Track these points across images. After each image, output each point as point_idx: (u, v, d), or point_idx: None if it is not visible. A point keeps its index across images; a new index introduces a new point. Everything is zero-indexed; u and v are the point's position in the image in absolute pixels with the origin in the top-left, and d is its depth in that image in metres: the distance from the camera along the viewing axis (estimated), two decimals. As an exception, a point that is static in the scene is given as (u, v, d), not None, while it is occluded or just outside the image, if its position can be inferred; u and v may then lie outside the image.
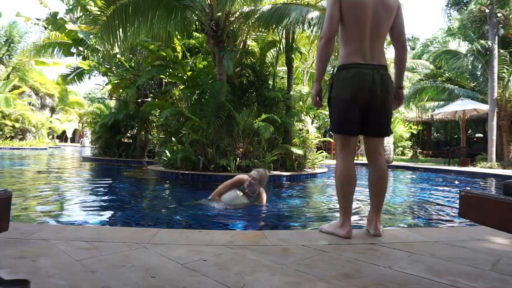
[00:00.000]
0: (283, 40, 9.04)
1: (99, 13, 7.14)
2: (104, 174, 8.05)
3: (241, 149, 7.08)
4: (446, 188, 6.48)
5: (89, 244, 1.76)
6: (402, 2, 12.30)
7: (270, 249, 1.79)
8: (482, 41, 11.95)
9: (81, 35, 10.55)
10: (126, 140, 12.43)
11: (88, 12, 10.97)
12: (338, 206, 2.18)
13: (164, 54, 9.15)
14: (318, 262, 1.61)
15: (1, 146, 19.39)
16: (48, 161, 12.38)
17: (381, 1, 2.04)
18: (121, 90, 11.94)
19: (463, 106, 12.66)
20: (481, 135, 19.31)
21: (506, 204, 1.19)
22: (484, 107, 12.22)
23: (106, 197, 4.65)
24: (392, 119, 2.44)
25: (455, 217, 3.57)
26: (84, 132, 36.16)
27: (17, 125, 22.87)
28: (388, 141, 12.86)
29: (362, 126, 2.09)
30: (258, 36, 9.54)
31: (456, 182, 7.76)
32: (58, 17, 10.93)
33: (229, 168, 6.65)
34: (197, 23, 8.32)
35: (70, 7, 11.77)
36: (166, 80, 10.81)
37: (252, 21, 7.72)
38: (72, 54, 11.87)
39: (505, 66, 12.04)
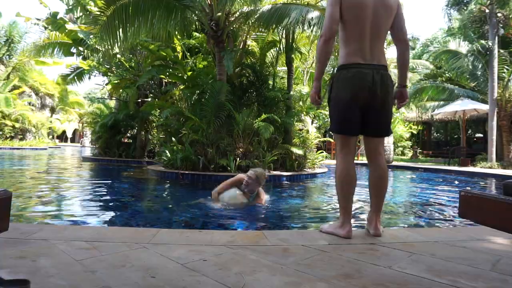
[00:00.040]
0: (283, 40, 9.04)
1: (99, 13, 7.14)
2: (104, 174, 8.05)
3: (241, 149, 7.08)
4: (446, 188, 6.48)
5: (89, 244, 1.76)
6: (402, 2, 12.30)
7: (270, 249, 1.79)
8: (482, 41, 11.96)
9: (81, 35, 10.54)
10: (126, 140, 12.43)
11: (88, 12, 10.98)
12: (338, 206, 2.18)
13: (164, 54, 9.15)
14: (318, 262, 1.61)
15: (1, 146, 19.39)
16: (48, 161, 12.37)
17: (381, 1, 2.03)
18: (121, 90, 11.94)
19: (463, 106, 12.66)
20: (481, 135, 19.31)
21: (506, 204, 1.19)
22: (484, 107, 12.22)
23: (106, 197, 4.65)
24: (392, 119, 2.44)
25: (455, 217, 3.57)
26: (84, 132, 36.17)
27: (17, 125, 22.88)
28: (388, 141, 12.87)
29: (362, 126, 2.09)
30: (258, 36, 9.54)
31: (456, 182, 7.76)
32: (58, 17, 10.92)
33: (229, 168, 6.65)
34: (197, 23, 8.32)
35: (70, 7, 11.78)
36: (166, 80, 10.81)
37: (252, 21, 7.72)
38: (72, 54, 11.87)
39: (505, 66, 12.04)
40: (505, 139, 11.79)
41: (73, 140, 46.64)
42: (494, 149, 11.35)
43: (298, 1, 8.58)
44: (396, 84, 2.23)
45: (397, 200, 4.81)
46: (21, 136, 23.27)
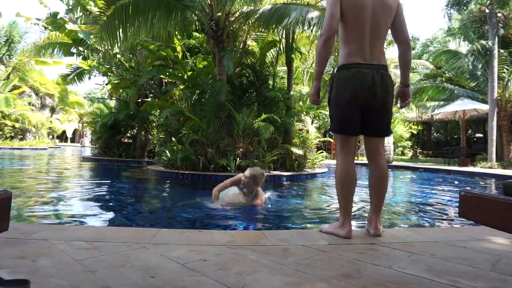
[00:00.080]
0: (283, 40, 9.04)
1: (99, 13, 7.14)
2: (104, 174, 8.05)
3: (241, 149, 7.08)
4: (446, 188, 6.48)
5: (89, 244, 1.76)
6: (402, 2, 12.29)
7: (270, 249, 1.79)
8: (482, 41, 11.96)
9: (81, 35, 10.54)
10: (126, 140, 12.44)
11: (88, 12, 10.98)
12: (338, 206, 2.18)
13: (164, 54, 9.15)
14: (318, 262, 1.61)
15: (1, 146, 19.39)
16: (48, 161, 12.37)
17: (380, 1, 2.04)
18: (121, 90, 11.94)
19: (463, 106, 12.66)
20: (481, 135, 19.31)
21: (506, 204, 1.19)
22: (484, 107, 12.22)
23: (106, 197, 4.65)
24: (392, 119, 2.44)
25: (455, 217, 3.57)
26: (84, 132, 36.17)
27: (17, 125, 22.87)
28: (388, 141, 12.87)
29: (362, 126, 2.10)
30: (258, 36, 9.54)
31: (456, 182, 7.76)
32: (58, 17, 10.92)
33: (229, 168, 6.65)
34: (197, 23, 8.32)
35: (70, 7, 11.78)
36: (166, 80, 10.81)
37: (252, 21, 7.72)
38: (72, 54, 11.87)
39: (505, 66, 12.05)
40: (505, 139, 11.79)
41: (73, 140, 46.64)
42: (494, 149, 11.35)
43: (298, 1, 8.58)
44: (399, 84, 2.24)
45: (397, 200, 4.81)
46: (21, 136, 23.27)
